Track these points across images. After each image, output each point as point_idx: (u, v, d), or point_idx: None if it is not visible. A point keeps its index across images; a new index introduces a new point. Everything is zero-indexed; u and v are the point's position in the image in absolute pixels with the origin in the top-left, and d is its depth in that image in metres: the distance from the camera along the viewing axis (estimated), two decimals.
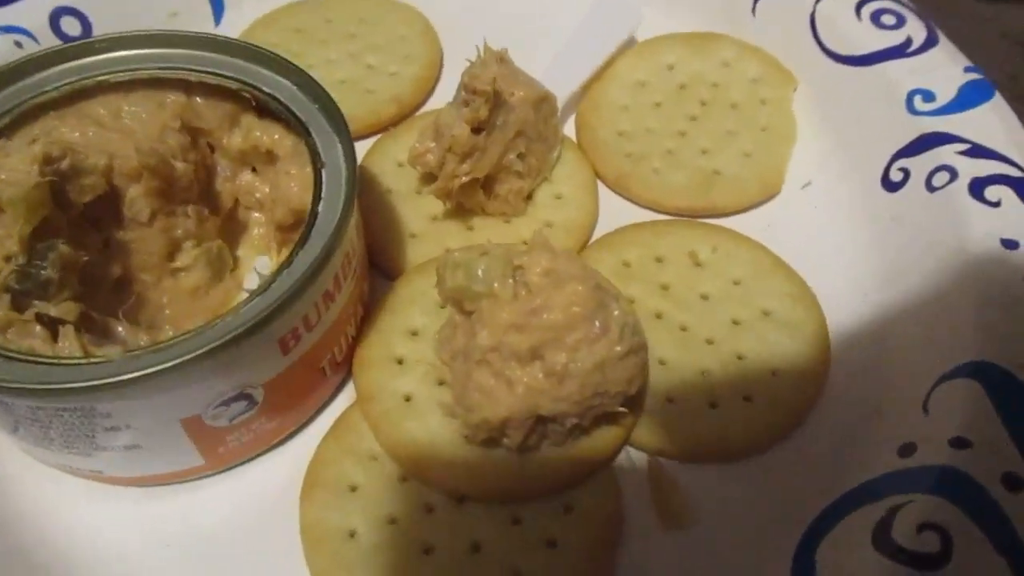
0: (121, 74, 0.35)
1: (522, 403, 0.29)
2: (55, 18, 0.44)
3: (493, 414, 0.29)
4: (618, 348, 0.29)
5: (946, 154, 0.37)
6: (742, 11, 0.46)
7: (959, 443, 0.30)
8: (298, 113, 0.34)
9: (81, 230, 0.32)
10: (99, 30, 0.45)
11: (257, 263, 0.38)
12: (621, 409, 0.30)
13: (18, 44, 0.42)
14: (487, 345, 0.29)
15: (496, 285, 0.29)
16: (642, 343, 0.30)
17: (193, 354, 0.26)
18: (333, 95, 0.44)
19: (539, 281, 0.29)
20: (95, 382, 0.26)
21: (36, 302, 0.28)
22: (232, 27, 0.49)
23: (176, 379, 0.27)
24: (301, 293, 0.29)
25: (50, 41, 0.43)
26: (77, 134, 0.33)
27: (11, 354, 0.27)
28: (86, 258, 0.30)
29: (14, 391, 0.26)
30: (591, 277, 0.29)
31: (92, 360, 0.27)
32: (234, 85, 0.35)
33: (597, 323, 0.28)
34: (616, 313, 0.29)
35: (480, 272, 0.29)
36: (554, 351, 0.28)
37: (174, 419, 0.28)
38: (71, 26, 0.44)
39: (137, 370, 0.26)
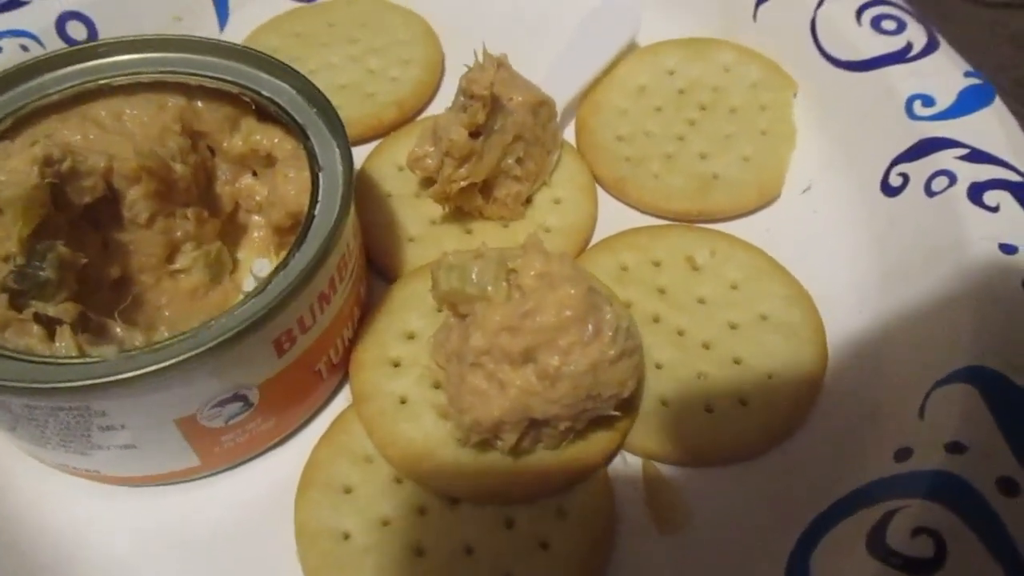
0: (123, 77, 0.35)
1: (515, 405, 0.29)
2: (61, 22, 0.44)
3: (486, 416, 0.29)
4: (611, 351, 0.29)
5: (945, 159, 0.37)
6: (742, 16, 0.47)
7: (955, 448, 0.30)
8: (296, 117, 0.34)
9: (80, 231, 0.32)
10: (104, 34, 0.45)
11: (255, 265, 0.38)
12: (614, 413, 0.30)
13: (24, 48, 0.43)
14: (480, 347, 0.29)
15: (490, 288, 0.29)
16: (635, 346, 0.30)
17: (188, 355, 0.27)
18: (334, 99, 0.44)
19: (532, 284, 0.29)
20: (89, 381, 0.26)
21: (34, 302, 0.29)
22: (236, 31, 0.49)
23: (170, 379, 0.27)
24: (296, 295, 0.29)
25: (56, 45, 0.44)
26: (78, 136, 0.33)
27: (8, 353, 0.27)
28: (85, 260, 0.30)
29: (10, 389, 0.26)
30: (584, 280, 0.29)
31: (87, 359, 0.27)
32: (234, 89, 0.35)
33: (589, 326, 0.28)
34: (608, 316, 0.29)
35: (474, 275, 0.29)
36: (547, 354, 0.28)
37: (168, 419, 0.29)
38: (77, 30, 0.45)
39: (132, 369, 0.26)
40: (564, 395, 0.29)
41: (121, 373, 0.26)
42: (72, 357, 0.27)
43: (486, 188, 0.39)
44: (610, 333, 0.29)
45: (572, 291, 0.28)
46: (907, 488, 0.30)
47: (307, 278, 0.29)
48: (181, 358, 0.27)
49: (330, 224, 0.31)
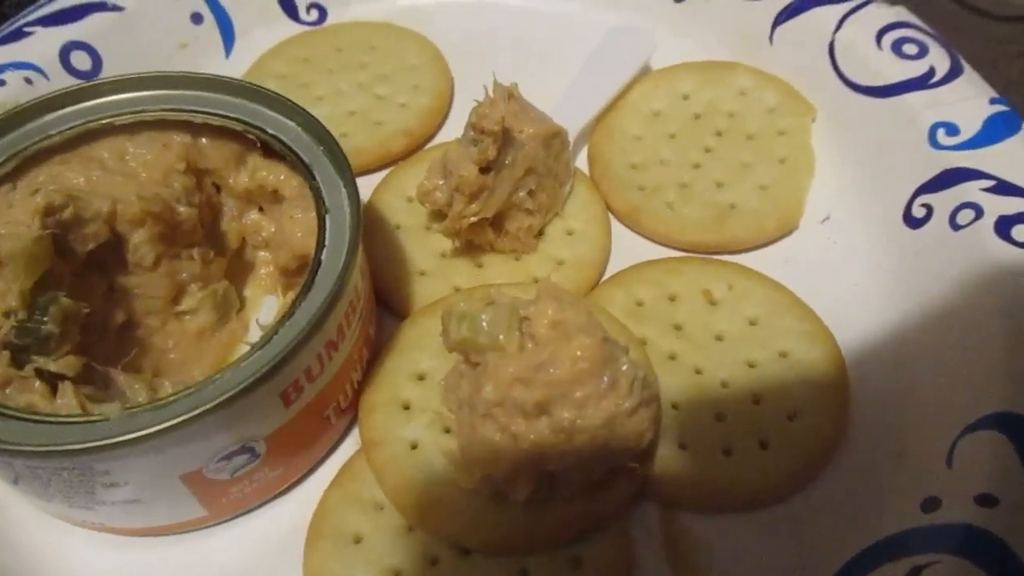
0: (126, 116, 0.34)
1: (528, 459, 0.28)
2: (65, 53, 0.44)
3: (497, 469, 0.28)
4: (627, 404, 0.28)
5: (971, 191, 0.36)
6: (759, 39, 0.45)
7: (985, 500, 0.29)
8: (302, 156, 0.33)
9: (84, 277, 0.32)
10: (109, 64, 0.45)
11: (264, 304, 0.37)
12: (632, 464, 0.30)
13: (28, 80, 0.42)
14: (492, 399, 0.28)
15: (501, 337, 0.28)
16: (653, 396, 0.29)
17: (192, 413, 0.26)
18: (342, 127, 0.44)
19: (546, 334, 0.28)
20: (92, 444, 0.25)
21: (36, 357, 0.28)
22: (243, 57, 0.48)
23: (175, 437, 0.26)
24: (303, 346, 0.28)
25: (60, 76, 0.43)
26: (82, 179, 0.33)
27: (9, 412, 0.26)
28: (88, 309, 0.30)
29: (11, 452, 0.26)
30: (599, 329, 0.28)
31: (90, 418, 0.26)
32: (239, 127, 0.34)
33: (605, 378, 0.27)
34: (625, 367, 0.28)
35: (485, 324, 0.28)
36: (561, 407, 0.27)
37: (174, 475, 0.28)
38: (81, 61, 0.44)
39: (135, 430, 0.26)
40: (579, 448, 0.28)
41: (124, 434, 0.25)
42: (74, 415, 0.27)
43: (497, 221, 0.38)
44: (627, 385, 0.28)
45: (587, 341, 0.28)
46: (936, 542, 0.29)
47: (315, 328, 0.28)
48: (185, 417, 0.26)
49: (337, 270, 0.30)
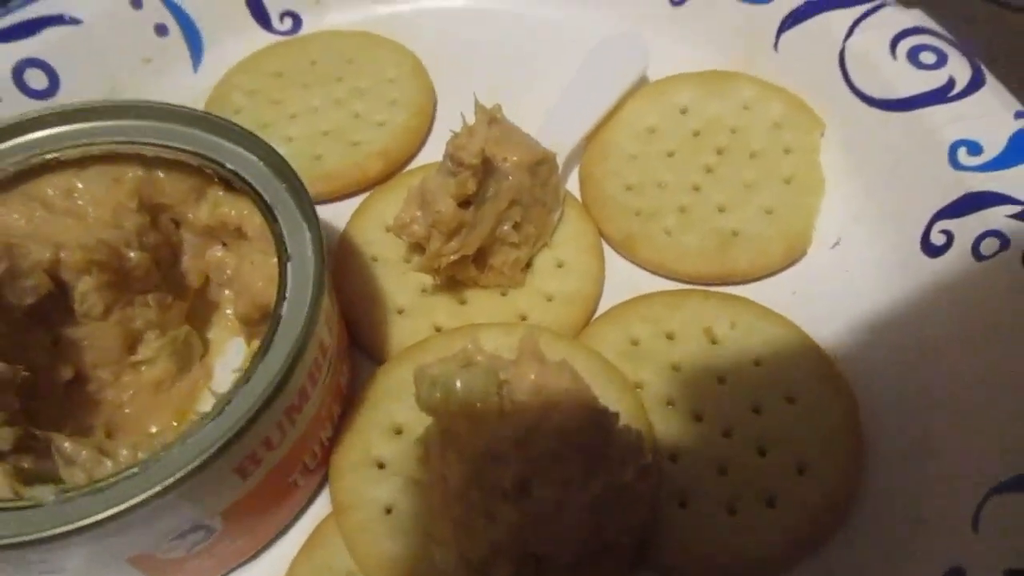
0: (73, 150, 0.31)
1: (508, 541, 0.25)
2: (18, 72, 0.41)
3: (473, 551, 0.26)
4: (620, 478, 0.25)
5: (995, 217, 0.33)
6: (763, 46, 0.42)
7: None
8: (264, 194, 0.30)
9: (24, 332, 0.29)
10: (67, 82, 0.42)
11: (230, 349, 0.35)
12: (626, 539, 0.27)
13: None
14: (466, 475, 0.25)
15: (478, 405, 0.25)
16: (648, 467, 0.26)
17: (135, 500, 0.23)
18: (316, 148, 0.41)
19: (527, 401, 0.25)
20: (21, 538, 0.23)
21: None
22: (211, 71, 0.45)
23: (117, 524, 0.24)
24: (260, 415, 0.25)
25: (13, 98, 0.41)
26: (23, 220, 0.30)
27: None
28: (25, 373, 0.27)
29: None
30: (585, 394, 0.25)
31: (20, 504, 0.24)
32: (195, 161, 0.31)
33: (593, 451, 0.25)
34: (616, 437, 0.25)
35: (459, 389, 0.26)
36: (543, 485, 0.25)
37: (121, 559, 0.26)
38: (37, 79, 0.41)
39: (71, 520, 0.23)
40: (566, 530, 0.25)
41: (58, 525, 0.23)
42: (4, 500, 0.24)
43: (480, 256, 0.35)
44: (618, 457, 0.25)
45: (572, 409, 0.25)
46: None
47: (273, 395, 0.26)
48: (128, 505, 0.23)
49: (299, 327, 0.27)
